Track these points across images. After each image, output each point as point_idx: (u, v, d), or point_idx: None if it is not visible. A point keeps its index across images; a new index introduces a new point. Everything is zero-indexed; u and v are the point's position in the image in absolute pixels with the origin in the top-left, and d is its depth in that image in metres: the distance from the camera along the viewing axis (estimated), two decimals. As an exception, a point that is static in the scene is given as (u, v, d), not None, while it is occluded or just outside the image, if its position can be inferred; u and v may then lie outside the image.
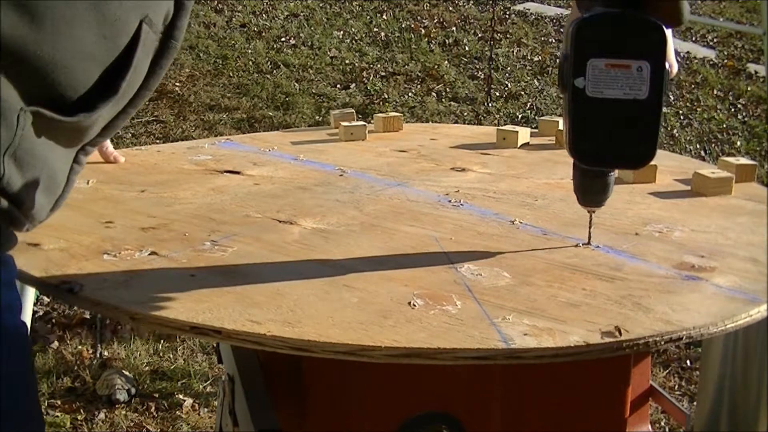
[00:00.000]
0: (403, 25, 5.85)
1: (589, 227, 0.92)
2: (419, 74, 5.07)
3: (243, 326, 0.69)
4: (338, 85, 4.84)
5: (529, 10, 6.29)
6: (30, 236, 0.87)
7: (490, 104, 4.59)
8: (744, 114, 4.65)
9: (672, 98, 4.78)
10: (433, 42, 5.58)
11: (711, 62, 5.41)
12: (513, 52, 5.51)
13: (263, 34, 5.51)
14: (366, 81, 4.91)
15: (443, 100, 4.72)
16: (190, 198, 1.07)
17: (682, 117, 4.59)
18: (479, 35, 5.73)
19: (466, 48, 5.46)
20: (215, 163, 1.26)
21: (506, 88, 4.89)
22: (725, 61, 5.44)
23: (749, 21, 6.25)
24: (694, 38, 5.89)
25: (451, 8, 6.28)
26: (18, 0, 0.64)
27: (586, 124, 0.80)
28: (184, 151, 1.34)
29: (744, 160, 1.20)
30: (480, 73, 5.06)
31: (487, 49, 5.11)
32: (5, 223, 0.72)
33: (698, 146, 4.23)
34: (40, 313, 2.48)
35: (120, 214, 0.99)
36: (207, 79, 4.80)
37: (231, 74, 4.88)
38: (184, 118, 4.32)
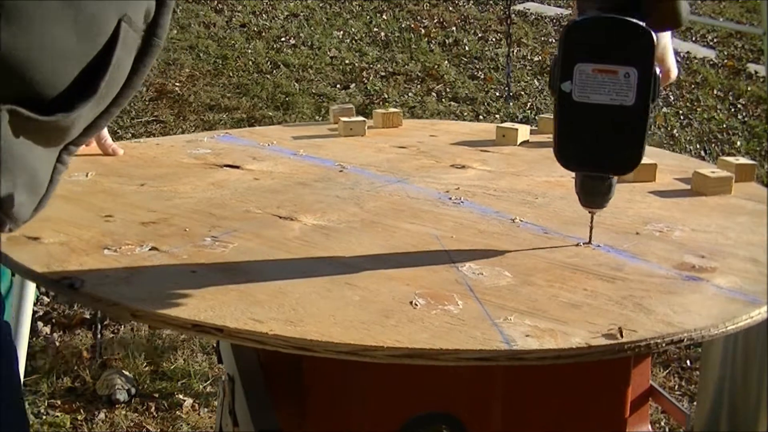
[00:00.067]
0: (403, 25, 5.85)
1: (590, 227, 0.92)
2: (419, 74, 5.07)
3: (245, 324, 0.69)
4: (338, 85, 4.84)
5: (529, 10, 6.29)
6: (30, 230, 0.87)
7: (510, 105, 4.57)
8: (744, 114, 4.65)
9: (672, 98, 4.78)
10: (433, 42, 5.58)
11: (711, 62, 5.41)
12: (513, 52, 5.50)
13: (263, 34, 5.51)
14: (366, 81, 4.91)
15: (443, 100, 4.72)
16: (189, 192, 1.07)
17: (682, 117, 4.59)
18: (479, 35, 5.73)
19: (466, 48, 5.46)
20: (214, 157, 1.25)
21: (506, 88, 4.89)
22: (725, 61, 5.44)
23: (749, 21, 6.25)
24: (694, 38, 5.89)
25: (451, 8, 6.28)
26: None
27: (572, 128, 0.80)
28: (183, 145, 1.33)
29: (744, 160, 1.20)
30: (480, 73, 5.05)
31: (487, 49, 5.11)
32: None
33: (698, 146, 4.23)
34: (40, 313, 2.48)
35: (120, 207, 0.99)
36: (207, 79, 4.80)
37: (231, 74, 4.88)
38: (184, 118, 4.32)
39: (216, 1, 5.94)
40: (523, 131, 1.40)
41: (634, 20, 0.75)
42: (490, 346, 0.68)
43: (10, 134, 0.68)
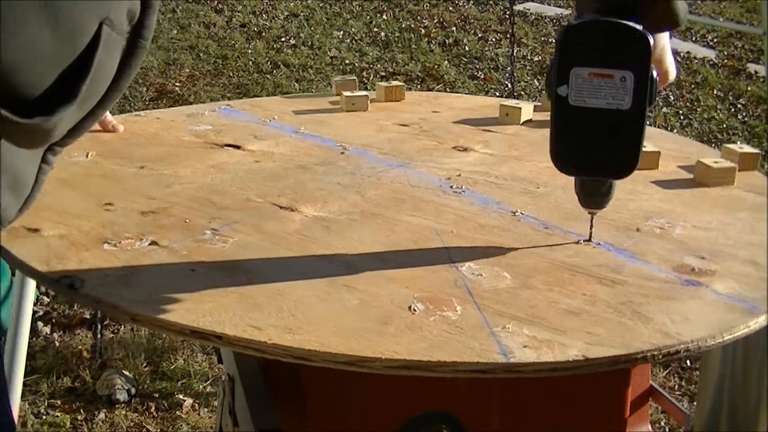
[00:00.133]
0: (403, 25, 5.85)
1: (591, 226, 0.91)
2: (419, 74, 5.07)
3: (244, 332, 0.70)
4: (338, 85, 4.83)
5: (529, 10, 6.29)
6: (30, 221, 0.87)
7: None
8: (744, 114, 4.64)
9: (672, 98, 4.78)
10: (433, 42, 5.58)
11: (711, 62, 5.40)
12: (513, 52, 5.50)
13: (263, 34, 5.51)
14: (366, 81, 4.91)
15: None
16: (190, 177, 1.07)
17: (682, 117, 4.59)
18: (479, 35, 5.72)
19: (466, 48, 5.46)
20: (215, 135, 1.24)
21: (506, 88, 4.89)
22: (725, 61, 5.44)
23: (749, 21, 6.25)
24: (694, 38, 5.89)
25: (451, 8, 6.28)
26: None
27: (568, 132, 0.80)
28: (183, 119, 1.32)
29: (747, 148, 1.19)
30: (480, 73, 5.05)
31: (487, 49, 5.11)
32: None
33: (698, 146, 4.22)
34: (40, 313, 2.48)
35: (119, 194, 0.99)
36: (207, 79, 4.80)
37: (231, 74, 4.88)
38: (184, 118, 4.32)
39: (216, 1, 5.94)
40: (527, 110, 1.38)
41: (630, 24, 0.75)
42: (488, 359, 0.68)
43: None
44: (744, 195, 1.09)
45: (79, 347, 2.33)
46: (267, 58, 5.11)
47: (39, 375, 2.18)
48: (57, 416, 2.03)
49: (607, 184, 0.84)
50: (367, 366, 0.68)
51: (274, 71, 4.96)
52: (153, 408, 2.09)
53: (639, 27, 0.75)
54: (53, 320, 2.47)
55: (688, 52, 5.49)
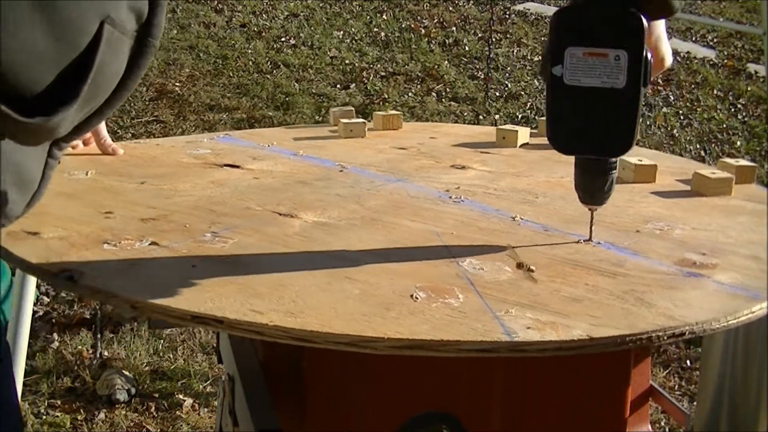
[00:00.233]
0: (403, 25, 5.85)
1: (591, 225, 0.91)
2: (419, 74, 5.07)
3: (245, 316, 0.69)
4: (338, 85, 4.84)
5: (529, 10, 6.29)
6: (29, 225, 0.87)
7: (488, 104, 4.59)
8: (744, 114, 4.65)
9: (672, 98, 4.78)
10: (433, 42, 5.58)
11: (711, 62, 5.41)
12: (513, 52, 5.51)
13: (263, 34, 5.51)
14: (366, 81, 4.91)
15: (443, 100, 4.72)
16: (189, 190, 1.07)
17: (682, 117, 4.59)
18: (479, 35, 5.73)
19: (466, 48, 5.46)
20: (214, 157, 1.25)
21: (506, 88, 4.89)
22: (725, 61, 5.45)
23: (749, 21, 6.26)
24: (694, 38, 5.89)
25: (451, 8, 6.28)
26: None
27: (563, 111, 0.80)
28: (183, 145, 1.33)
29: (744, 162, 1.20)
30: (480, 73, 5.06)
31: (486, 49, 5.11)
32: None
33: (698, 146, 4.23)
34: (40, 313, 2.48)
35: (120, 204, 0.99)
36: (207, 79, 4.80)
37: (231, 74, 4.88)
38: (184, 118, 4.32)
39: (216, 1, 5.94)
40: (524, 133, 1.40)
41: (625, 5, 0.76)
42: (491, 338, 0.67)
43: None
44: (743, 203, 1.09)
45: (79, 347, 2.33)
46: (267, 58, 5.11)
47: (39, 375, 2.18)
48: (57, 416, 2.03)
49: (605, 179, 0.84)
50: (371, 347, 0.67)
51: (274, 71, 4.96)
52: (153, 408, 2.09)
53: (631, 7, 0.76)
54: (53, 320, 2.47)
55: (688, 52, 5.49)
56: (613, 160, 0.83)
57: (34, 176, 0.76)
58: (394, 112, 1.55)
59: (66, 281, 0.76)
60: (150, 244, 0.86)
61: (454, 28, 5.85)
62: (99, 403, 2.09)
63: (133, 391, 2.12)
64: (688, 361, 2.34)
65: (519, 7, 6.35)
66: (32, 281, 1.71)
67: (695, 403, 1.43)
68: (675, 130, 4.40)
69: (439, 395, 0.94)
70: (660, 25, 0.87)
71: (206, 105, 4.49)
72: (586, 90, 0.78)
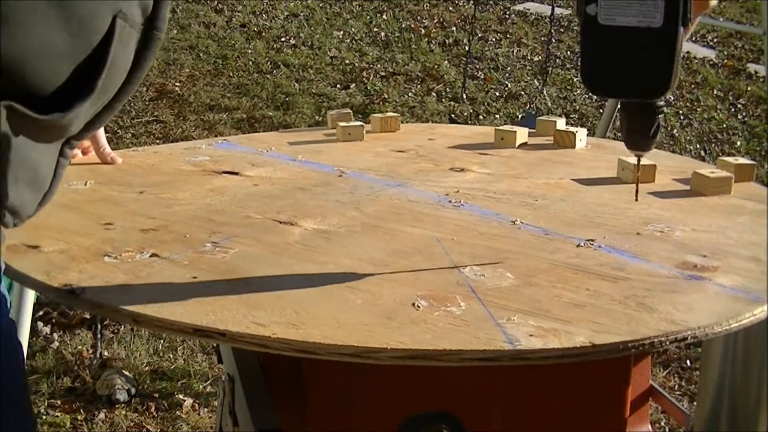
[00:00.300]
0: (403, 25, 5.85)
1: (636, 182, 0.89)
2: (419, 74, 5.07)
3: (247, 328, 0.69)
4: (338, 85, 4.84)
5: (529, 10, 6.29)
6: (29, 238, 0.87)
7: (465, 90, 4.54)
8: (744, 114, 4.65)
9: (672, 98, 4.78)
10: (433, 42, 5.58)
11: (711, 62, 5.41)
12: (513, 52, 5.51)
13: (263, 34, 5.51)
14: (366, 81, 4.91)
15: (443, 100, 4.72)
16: (189, 199, 1.07)
17: (682, 117, 4.59)
18: (479, 35, 5.72)
19: (466, 48, 5.46)
20: (213, 164, 1.25)
21: (506, 88, 4.89)
22: (725, 61, 5.45)
23: (749, 21, 6.25)
24: (694, 38, 5.89)
25: (451, 8, 6.28)
26: None
27: (597, 52, 0.77)
28: (181, 152, 1.33)
29: (743, 160, 1.20)
30: (480, 73, 5.05)
31: (487, 49, 5.11)
32: None
33: (698, 146, 4.23)
34: (40, 313, 2.48)
35: (119, 215, 0.99)
36: (207, 79, 4.80)
37: (231, 74, 4.88)
38: (184, 118, 4.32)
39: (216, 1, 5.94)
40: (522, 134, 1.40)
41: None
42: (494, 346, 0.68)
43: (9, 130, 0.68)
44: (742, 203, 1.09)
45: (79, 347, 2.33)
46: (267, 58, 5.11)
47: (39, 375, 2.18)
48: (57, 416, 2.03)
49: (653, 124, 0.81)
50: (373, 357, 0.67)
51: (274, 71, 4.96)
52: (153, 408, 2.09)
53: None
54: (53, 320, 2.47)
55: (688, 52, 5.49)
56: (660, 102, 0.80)
57: (47, 175, 0.76)
58: (391, 114, 1.55)
59: (68, 296, 0.76)
60: (150, 256, 0.86)
61: (454, 28, 5.85)
62: (99, 403, 2.09)
63: (133, 391, 2.12)
64: (688, 361, 2.34)
65: (519, 7, 6.35)
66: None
67: (695, 403, 1.44)
68: (675, 130, 4.40)
69: (439, 395, 0.94)
70: None
71: (206, 105, 4.48)
72: (621, 30, 0.74)
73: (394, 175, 1.21)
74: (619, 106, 0.83)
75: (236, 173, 1.21)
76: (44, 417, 2.03)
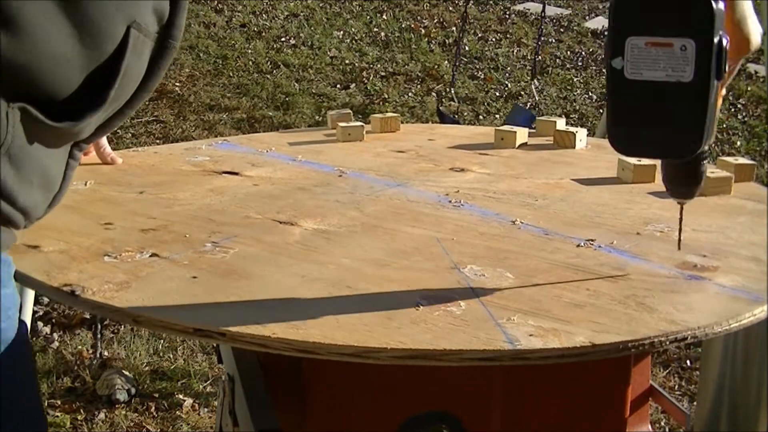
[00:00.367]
0: (403, 25, 5.85)
1: (680, 227, 0.85)
2: (419, 74, 5.07)
3: (247, 328, 0.69)
4: (338, 85, 4.84)
5: (529, 10, 6.29)
6: (29, 238, 0.87)
7: (456, 78, 4.54)
8: (744, 114, 4.65)
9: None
10: (433, 42, 5.58)
11: (711, 62, 5.40)
12: (513, 52, 5.51)
13: (263, 34, 5.51)
14: (366, 81, 4.92)
15: (443, 100, 4.72)
16: (189, 199, 1.07)
17: (682, 117, 4.59)
18: (479, 35, 5.73)
19: (466, 48, 5.46)
20: (213, 164, 1.25)
21: (506, 88, 4.89)
22: (725, 61, 5.44)
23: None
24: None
25: (451, 8, 6.28)
26: None
27: (623, 108, 0.73)
28: (181, 152, 1.33)
29: (743, 160, 1.20)
30: (480, 73, 5.05)
31: (487, 49, 5.11)
32: (1, 222, 0.72)
33: (698, 146, 4.22)
34: (40, 313, 2.48)
35: (119, 215, 0.99)
36: (207, 79, 4.80)
37: (231, 74, 4.88)
38: (184, 118, 4.32)
39: (216, 1, 5.94)
40: (522, 134, 1.40)
41: None
42: (494, 346, 0.67)
43: (22, 132, 0.69)
44: (743, 203, 1.09)
45: (79, 347, 2.33)
46: (267, 58, 5.11)
47: (39, 375, 2.18)
48: (57, 416, 2.03)
49: (698, 170, 0.77)
50: (373, 357, 0.67)
51: (274, 71, 4.96)
52: (153, 408, 2.09)
53: None
54: (53, 320, 2.47)
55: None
56: (705, 149, 0.74)
57: (57, 177, 0.77)
58: (391, 114, 1.55)
59: (68, 296, 0.76)
60: (150, 256, 0.86)
61: (454, 28, 5.85)
62: (99, 403, 2.09)
63: (133, 391, 2.12)
64: (688, 361, 2.34)
65: (519, 7, 6.35)
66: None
67: (695, 403, 1.44)
68: (675, 130, 4.39)
69: (439, 395, 0.94)
70: (743, 2, 0.77)
71: (206, 105, 4.49)
72: (649, 84, 0.70)
73: (394, 175, 1.21)
74: None
75: (236, 173, 1.21)
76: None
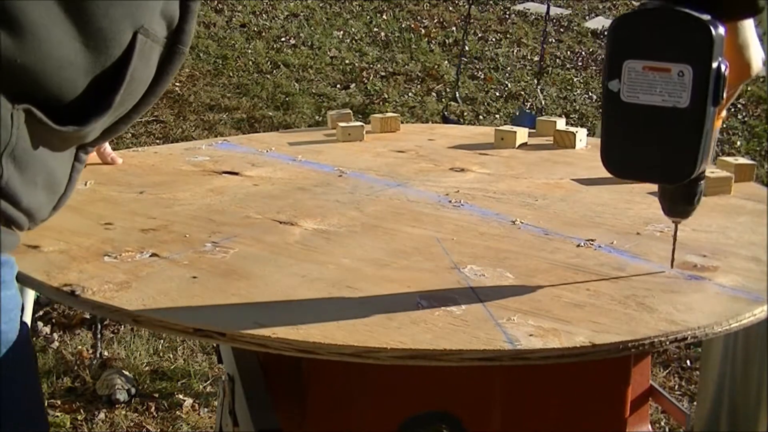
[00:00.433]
0: (403, 25, 5.85)
1: (674, 244, 0.85)
2: (419, 74, 5.07)
3: (247, 328, 0.69)
4: (338, 85, 4.85)
5: (529, 10, 6.29)
6: (29, 238, 0.87)
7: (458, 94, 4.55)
8: (744, 114, 4.65)
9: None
10: (433, 42, 5.59)
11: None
12: (513, 52, 5.51)
13: (263, 34, 5.51)
14: (366, 81, 4.92)
15: (443, 100, 4.72)
16: (189, 199, 1.07)
17: (682, 117, 4.59)
18: (479, 35, 5.73)
19: (466, 48, 5.46)
20: (213, 164, 1.25)
21: (506, 88, 4.89)
22: (725, 61, 5.44)
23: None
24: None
25: (451, 8, 6.28)
26: None
27: (618, 130, 0.73)
28: (181, 152, 1.33)
29: (743, 160, 1.20)
30: (480, 73, 5.06)
31: (487, 49, 5.12)
32: (5, 223, 0.72)
33: (698, 146, 4.22)
34: (40, 313, 2.48)
35: (119, 215, 0.99)
36: (207, 79, 4.80)
37: (231, 74, 4.88)
38: (184, 118, 4.32)
39: (216, 1, 5.94)
40: (522, 134, 1.40)
41: (688, 11, 0.68)
42: (494, 346, 0.67)
43: (27, 134, 0.69)
44: (743, 203, 1.09)
45: (79, 347, 2.33)
46: (267, 58, 5.11)
47: (39, 375, 2.18)
48: (57, 416, 2.03)
49: (694, 191, 0.78)
50: (373, 357, 0.67)
51: (274, 71, 4.96)
52: (153, 408, 2.09)
53: (700, 15, 0.67)
54: (53, 320, 2.47)
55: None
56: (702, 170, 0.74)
57: (62, 179, 0.77)
58: (391, 114, 1.55)
59: (68, 296, 0.76)
60: (150, 256, 0.86)
61: (454, 28, 5.85)
62: (99, 403, 2.09)
63: (133, 391, 2.12)
64: (688, 361, 2.34)
65: (519, 7, 6.35)
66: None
67: (695, 403, 1.44)
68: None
69: (439, 395, 0.94)
70: (746, 28, 0.76)
71: (206, 105, 4.49)
72: (644, 108, 0.70)
73: (394, 175, 1.21)
74: None
75: (236, 173, 1.21)
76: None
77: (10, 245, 0.74)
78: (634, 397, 1.11)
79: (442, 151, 1.37)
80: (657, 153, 0.72)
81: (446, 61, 5.24)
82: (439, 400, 0.94)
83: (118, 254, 0.86)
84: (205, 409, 2.09)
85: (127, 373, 2.18)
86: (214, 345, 1.99)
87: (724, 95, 0.70)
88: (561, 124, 1.44)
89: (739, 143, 4.26)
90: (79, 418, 2.04)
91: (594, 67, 5.30)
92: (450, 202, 1.07)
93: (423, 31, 5.76)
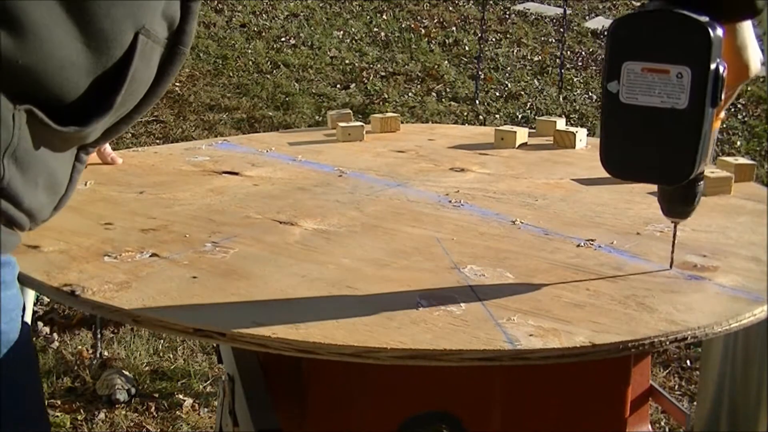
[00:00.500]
0: (403, 25, 5.85)
1: (672, 244, 0.85)
2: (419, 74, 5.07)
3: (247, 328, 0.69)
4: (338, 85, 4.85)
5: (529, 10, 6.29)
6: (29, 238, 0.87)
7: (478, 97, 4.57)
8: (744, 114, 4.65)
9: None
10: (433, 42, 5.59)
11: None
12: (513, 52, 5.51)
13: (263, 34, 5.51)
14: (366, 81, 4.92)
15: (443, 100, 4.72)
16: (189, 199, 1.07)
17: (682, 117, 4.59)
18: (479, 35, 5.73)
19: (466, 48, 5.46)
20: (213, 164, 1.25)
21: (506, 88, 4.89)
22: (725, 61, 5.44)
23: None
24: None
25: (451, 8, 6.28)
26: None
27: (617, 131, 0.74)
28: (181, 152, 1.33)
29: (743, 160, 1.20)
30: (480, 73, 5.06)
31: (487, 49, 5.12)
32: (6, 224, 0.72)
33: (698, 146, 4.22)
34: (40, 313, 2.48)
35: (119, 215, 0.99)
36: (207, 79, 4.81)
37: (231, 74, 4.88)
38: (184, 118, 4.32)
39: (216, 1, 5.94)
40: (522, 134, 1.40)
41: (687, 13, 0.68)
42: (494, 346, 0.68)
43: (28, 135, 0.69)
44: (743, 203, 1.09)
45: (79, 347, 2.33)
46: (267, 58, 5.11)
47: (40, 375, 2.18)
48: (57, 416, 2.03)
49: (693, 192, 0.78)
50: (373, 357, 0.67)
51: (274, 71, 4.96)
52: (153, 408, 2.09)
53: (698, 17, 0.68)
54: (53, 320, 2.47)
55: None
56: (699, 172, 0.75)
57: (63, 180, 0.77)
58: (391, 114, 1.55)
59: (68, 296, 0.76)
60: (150, 256, 0.86)
61: (454, 28, 5.85)
62: (99, 403, 2.09)
63: (133, 391, 2.12)
64: (688, 361, 2.34)
65: (519, 7, 6.35)
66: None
67: (695, 403, 1.44)
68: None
69: (439, 395, 0.94)
70: (745, 29, 0.76)
71: (206, 105, 4.49)
72: (644, 109, 0.71)
73: (394, 175, 1.21)
74: None
75: (236, 173, 1.21)
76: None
77: (11, 246, 0.74)
78: (634, 397, 1.11)
79: (442, 151, 1.37)
80: (656, 154, 0.73)
81: (446, 61, 5.25)
82: (439, 400, 0.94)
83: (118, 254, 0.86)
84: (205, 409, 2.09)
85: (127, 373, 2.18)
86: (214, 345, 1.99)
87: (723, 96, 0.71)
88: (561, 124, 1.44)
89: (739, 143, 4.26)
90: (79, 418, 2.04)
91: (594, 67, 5.30)
92: (450, 202, 1.07)
93: (423, 31, 5.76)
